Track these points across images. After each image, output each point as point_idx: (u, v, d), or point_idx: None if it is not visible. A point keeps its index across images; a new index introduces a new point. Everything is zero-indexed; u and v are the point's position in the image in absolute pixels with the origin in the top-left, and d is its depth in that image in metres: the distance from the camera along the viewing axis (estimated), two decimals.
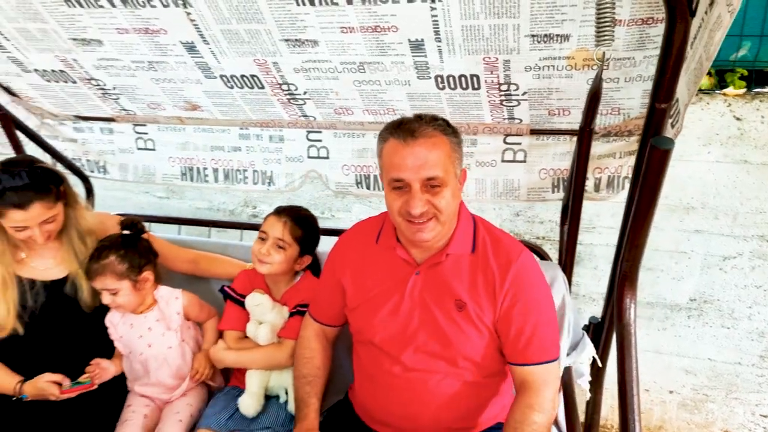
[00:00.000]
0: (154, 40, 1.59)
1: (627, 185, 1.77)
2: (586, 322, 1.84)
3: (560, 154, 1.82)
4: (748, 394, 2.50)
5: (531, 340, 1.38)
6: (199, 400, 1.83)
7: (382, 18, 1.35)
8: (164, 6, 1.43)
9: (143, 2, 1.43)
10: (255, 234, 1.79)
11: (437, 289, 1.43)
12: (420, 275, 1.45)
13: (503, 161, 1.87)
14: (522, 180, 1.89)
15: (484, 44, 1.40)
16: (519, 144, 1.84)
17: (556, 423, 1.74)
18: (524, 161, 1.86)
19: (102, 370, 1.73)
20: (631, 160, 1.73)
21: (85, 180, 2.36)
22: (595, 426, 1.91)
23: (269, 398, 1.78)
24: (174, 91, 1.88)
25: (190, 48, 1.60)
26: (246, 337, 1.79)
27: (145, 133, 2.22)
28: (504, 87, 1.57)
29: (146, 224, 1.87)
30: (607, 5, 1.20)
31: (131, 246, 1.74)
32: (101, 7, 1.47)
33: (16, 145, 2.12)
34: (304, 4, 1.35)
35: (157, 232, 1.98)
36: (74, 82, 1.93)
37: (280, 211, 1.77)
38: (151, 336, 1.76)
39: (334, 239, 1.68)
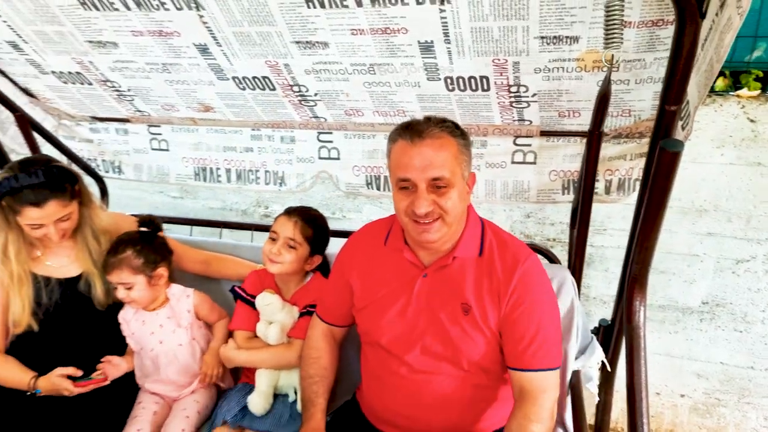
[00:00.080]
0: (167, 43, 1.62)
1: (638, 187, 1.75)
2: (596, 325, 1.84)
3: (570, 156, 1.81)
4: (761, 398, 2.47)
5: (531, 344, 1.37)
6: (207, 398, 1.85)
7: (391, 20, 1.36)
8: (177, 9, 1.45)
9: (157, 5, 1.45)
10: (266, 235, 1.80)
11: (444, 293, 1.43)
12: (427, 278, 1.45)
13: (513, 162, 1.87)
14: (532, 181, 1.88)
15: (494, 46, 1.40)
16: (529, 145, 1.84)
17: (563, 426, 1.74)
18: (534, 163, 1.85)
19: (114, 366, 1.75)
20: (642, 162, 1.72)
21: (100, 180, 2.40)
22: (605, 428, 1.90)
23: (278, 397, 1.79)
24: (187, 93, 1.90)
25: (203, 50, 1.62)
26: (256, 336, 1.81)
27: (159, 134, 2.25)
28: (514, 89, 1.57)
29: None
30: (616, 8, 1.20)
31: (148, 242, 1.78)
32: (116, 10, 1.50)
33: (33, 146, 2.16)
34: (314, 7, 1.36)
35: (168, 233, 2.01)
36: (90, 84, 1.96)
37: (290, 212, 1.79)
38: (162, 333, 1.79)
39: (344, 241, 1.69)
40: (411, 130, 1.33)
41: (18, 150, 2.22)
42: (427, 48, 1.45)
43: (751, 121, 2.13)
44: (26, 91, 2.12)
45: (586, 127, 1.66)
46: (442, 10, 1.31)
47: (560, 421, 1.78)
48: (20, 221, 1.63)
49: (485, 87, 1.58)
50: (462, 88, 1.60)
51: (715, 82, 2.22)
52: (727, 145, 2.18)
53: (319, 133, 2.03)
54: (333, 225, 1.88)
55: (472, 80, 1.56)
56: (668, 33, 1.27)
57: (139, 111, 2.11)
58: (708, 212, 2.28)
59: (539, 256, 1.51)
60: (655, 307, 2.46)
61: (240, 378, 1.91)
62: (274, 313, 1.76)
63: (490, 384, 1.48)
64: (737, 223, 2.26)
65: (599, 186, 1.82)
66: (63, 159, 2.18)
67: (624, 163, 1.78)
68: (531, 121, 1.72)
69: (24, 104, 2.14)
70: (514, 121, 1.73)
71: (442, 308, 1.42)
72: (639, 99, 1.56)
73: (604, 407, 1.86)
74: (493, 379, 1.47)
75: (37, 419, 1.68)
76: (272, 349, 1.76)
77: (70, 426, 1.67)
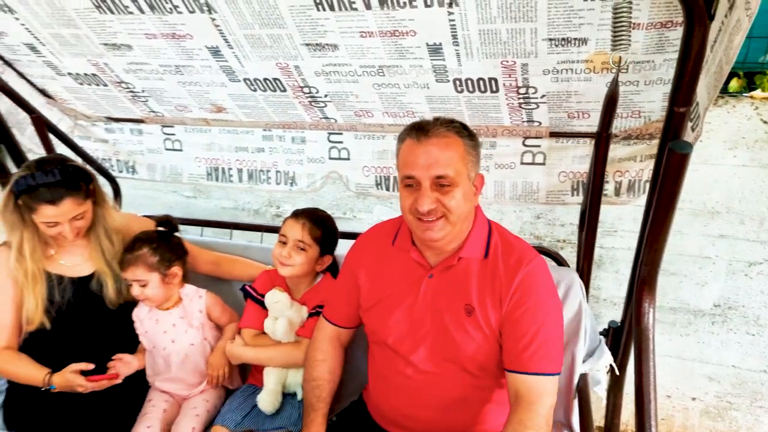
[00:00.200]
0: (180, 45, 1.64)
1: (648, 189, 1.75)
2: (606, 327, 1.83)
3: (580, 157, 1.81)
4: None
5: (530, 346, 1.34)
6: (216, 397, 1.87)
7: (400, 22, 1.38)
8: (190, 12, 1.47)
9: (170, 9, 1.47)
10: (276, 236, 1.82)
11: (448, 293, 1.43)
12: (433, 278, 1.46)
13: (522, 163, 1.87)
14: (541, 183, 1.88)
15: (502, 48, 1.41)
16: (538, 146, 1.84)
17: (570, 429, 1.74)
18: (543, 164, 1.85)
19: (125, 364, 1.78)
20: (653, 164, 1.72)
21: (113, 181, 2.43)
22: (614, 431, 1.89)
23: (285, 396, 1.80)
24: (200, 94, 1.93)
25: (215, 52, 1.65)
26: (263, 333, 1.82)
27: (173, 134, 2.28)
28: (522, 90, 1.57)
29: None
30: (623, 10, 1.20)
31: (164, 241, 1.81)
32: (131, 13, 1.52)
33: (48, 146, 2.19)
34: (324, 10, 1.38)
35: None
36: (105, 85, 2.00)
37: (297, 214, 1.80)
38: (174, 332, 1.81)
39: (353, 242, 1.69)
40: (418, 130, 1.34)
41: (35, 150, 2.26)
42: (435, 50, 1.46)
43: (765, 122, 2.11)
44: (44, 92, 2.16)
45: (595, 129, 1.66)
46: (450, 13, 1.31)
47: (567, 425, 1.78)
48: (36, 219, 1.66)
49: (494, 88, 1.58)
50: (471, 89, 1.60)
51: (728, 83, 2.21)
52: (740, 146, 2.16)
53: (330, 133, 2.05)
54: (343, 225, 1.90)
55: (481, 82, 1.57)
56: (677, 34, 1.26)
57: (153, 112, 2.14)
58: (720, 214, 2.26)
59: (547, 259, 1.50)
60: (666, 310, 2.44)
61: (247, 379, 1.93)
62: (282, 311, 1.77)
63: (495, 386, 1.48)
64: (750, 225, 2.24)
65: (609, 187, 1.81)
66: (77, 159, 2.22)
67: (634, 164, 1.78)
68: (540, 123, 1.72)
69: (41, 105, 2.18)
70: (523, 122, 1.74)
71: (447, 309, 1.43)
72: (649, 100, 1.55)
73: (613, 409, 1.85)
74: (498, 381, 1.47)
75: (50, 415, 1.71)
76: (280, 347, 1.78)
77: (82, 422, 1.70)
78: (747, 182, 2.19)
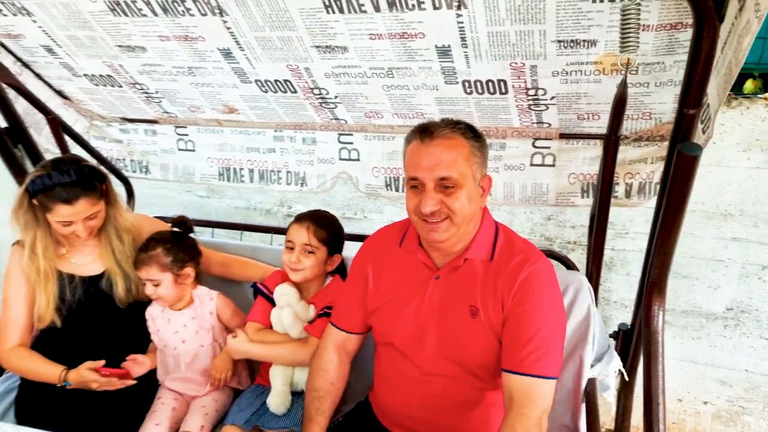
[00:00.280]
0: (193, 47, 1.66)
1: (658, 191, 1.74)
2: (616, 329, 1.82)
3: (590, 159, 1.80)
4: None
5: (527, 346, 1.31)
6: (225, 397, 1.89)
7: (409, 25, 1.38)
8: (202, 15, 1.49)
9: (183, 11, 1.50)
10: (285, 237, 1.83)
11: (454, 295, 1.43)
12: (440, 280, 1.46)
13: (532, 165, 1.87)
14: (551, 184, 1.88)
15: (511, 50, 1.41)
16: (548, 148, 1.83)
17: (577, 431, 1.73)
18: (553, 165, 1.85)
19: (139, 364, 1.81)
20: (663, 166, 1.71)
21: (126, 182, 2.46)
22: None
23: (293, 395, 1.80)
24: (212, 95, 1.95)
25: (227, 54, 1.67)
26: (268, 327, 1.82)
27: (186, 135, 2.31)
28: (532, 92, 1.57)
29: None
30: (632, 12, 1.20)
31: (178, 241, 1.84)
32: (144, 16, 1.55)
33: (63, 147, 2.23)
34: (333, 12, 1.39)
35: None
36: (120, 87, 2.03)
37: (301, 218, 1.81)
38: (185, 332, 1.83)
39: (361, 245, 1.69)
40: (423, 131, 1.35)
41: (52, 149, 2.29)
42: (444, 52, 1.46)
43: None
44: (60, 93, 2.20)
45: (605, 130, 1.65)
46: (458, 15, 1.32)
47: (574, 429, 1.77)
48: (51, 218, 1.68)
49: (503, 90, 1.58)
50: (480, 91, 1.61)
51: (744, 84, 2.19)
52: (754, 148, 2.13)
53: (340, 134, 2.06)
54: (354, 226, 1.90)
55: (490, 83, 1.57)
56: (687, 36, 1.26)
57: (167, 112, 2.17)
58: (733, 217, 2.24)
59: (555, 263, 1.49)
60: (678, 313, 2.42)
61: (255, 379, 1.94)
62: (289, 303, 1.78)
63: (500, 389, 1.47)
64: (764, 228, 2.21)
65: (620, 189, 1.80)
66: (91, 160, 2.25)
67: (645, 166, 1.77)
68: (550, 124, 1.72)
69: (58, 106, 2.22)
70: (532, 123, 1.73)
71: (452, 310, 1.43)
72: (659, 102, 1.54)
73: (624, 412, 1.84)
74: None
75: (61, 411, 1.73)
76: (288, 344, 1.77)
77: (93, 419, 1.72)
78: (761, 184, 2.16)
